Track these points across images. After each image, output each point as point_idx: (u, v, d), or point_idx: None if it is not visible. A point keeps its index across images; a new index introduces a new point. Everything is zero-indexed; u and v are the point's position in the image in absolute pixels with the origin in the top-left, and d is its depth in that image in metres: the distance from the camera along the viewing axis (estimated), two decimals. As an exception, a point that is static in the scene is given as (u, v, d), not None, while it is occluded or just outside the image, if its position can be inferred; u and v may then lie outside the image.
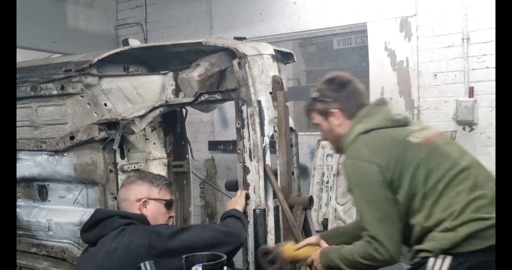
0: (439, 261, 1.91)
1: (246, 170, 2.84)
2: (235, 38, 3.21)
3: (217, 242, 2.27)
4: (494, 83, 4.10)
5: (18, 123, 3.45)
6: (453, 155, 2.07)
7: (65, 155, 3.25)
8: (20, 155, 3.50)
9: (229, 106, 4.96)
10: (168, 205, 2.49)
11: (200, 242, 2.23)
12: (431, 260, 1.92)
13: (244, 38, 3.23)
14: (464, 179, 1.99)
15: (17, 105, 3.41)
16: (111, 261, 2.16)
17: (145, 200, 2.39)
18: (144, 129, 3.33)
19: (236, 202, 2.76)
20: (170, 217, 2.50)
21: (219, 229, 2.38)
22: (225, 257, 1.99)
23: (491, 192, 1.98)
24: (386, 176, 1.99)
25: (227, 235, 2.34)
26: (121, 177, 3.13)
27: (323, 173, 4.59)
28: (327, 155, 4.62)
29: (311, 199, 2.92)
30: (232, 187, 3.07)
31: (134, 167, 3.25)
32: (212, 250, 2.18)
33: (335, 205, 4.44)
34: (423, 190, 1.97)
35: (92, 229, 2.32)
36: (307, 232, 2.95)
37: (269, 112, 2.86)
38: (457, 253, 1.89)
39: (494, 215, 1.89)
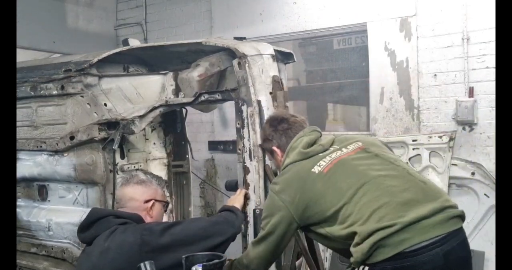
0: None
1: (246, 170, 2.84)
2: (235, 38, 3.21)
3: (209, 233, 2.26)
4: (494, 83, 4.10)
5: (18, 123, 3.45)
6: (359, 168, 2.16)
7: (65, 155, 3.26)
8: (20, 155, 3.50)
9: (229, 106, 4.96)
10: (166, 206, 2.53)
11: (192, 234, 2.22)
12: None
13: (244, 38, 3.23)
14: (364, 193, 2.06)
15: (17, 105, 3.41)
16: (104, 261, 2.15)
17: (153, 202, 2.40)
18: (144, 129, 3.33)
19: (235, 200, 2.76)
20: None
21: (211, 220, 2.38)
22: (225, 257, 2.00)
23: (398, 197, 2.03)
24: (290, 211, 2.19)
25: (219, 226, 2.33)
26: (122, 176, 3.13)
27: (323, 173, 4.57)
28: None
29: (311, 199, 2.91)
30: (232, 187, 3.07)
31: (134, 167, 3.25)
32: (205, 241, 2.19)
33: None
34: (328, 214, 2.10)
35: (88, 229, 2.32)
36: (307, 232, 2.96)
37: (269, 112, 2.85)
38: (370, 263, 1.97)
39: (399, 220, 1.94)
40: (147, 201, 2.38)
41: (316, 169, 2.20)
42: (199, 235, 2.23)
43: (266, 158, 2.84)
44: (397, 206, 1.99)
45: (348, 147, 2.29)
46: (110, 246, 2.16)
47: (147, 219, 2.36)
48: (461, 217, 2.07)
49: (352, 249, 2.01)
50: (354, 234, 2.00)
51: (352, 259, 2.02)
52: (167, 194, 3.52)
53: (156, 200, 2.41)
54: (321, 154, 2.28)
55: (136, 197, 2.38)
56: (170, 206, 3.36)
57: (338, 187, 2.12)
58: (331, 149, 2.31)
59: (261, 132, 2.52)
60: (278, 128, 2.42)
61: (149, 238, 2.15)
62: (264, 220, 2.29)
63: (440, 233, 1.96)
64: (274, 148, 2.44)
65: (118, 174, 3.11)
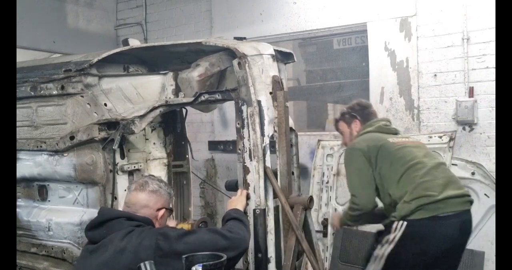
0: (399, 224, 2.82)
1: (246, 170, 2.84)
2: (235, 38, 3.20)
3: (222, 248, 2.28)
4: (494, 83, 4.10)
5: (18, 123, 3.45)
6: (417, 154, 3.02)
7: (65, 155, 3.25)
8: (20, 155, 3.49)
9: (229, 106, 4.97)
10: (171, 212, 2.61)
11: (205, 246, 2.26)
12: (394, 224, 2.84)
13: (244, 38, 3.23)
14: (419, 168, 2.92)
15: (17, 105, 3.41)
16: (119, 260, 2.19)
17: (164, 210, 2.47)
18: (144, 129, 3.33)
19: (237, 201, 2.77)
20: None
21: (224, 234, 2.38)
22: (225, 257, 2.00)
23: (441, 179, 2.90)
24: (366, 157, 3.02)
25: (232, 241, 2.36)
26: (122, 176, 3.13)
27: (323, 173, 4.58)
28: (327, 155, 4.61)
29: (311, 199, 2.92)
30: (232, 187, 3.07)
31: (134, 167, 3.25)
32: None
33: (335, 205, 4.44)
34: (388, 172, 2.96)
35: (97, 228, 2.36)
36: (307, 232, 2.96)
37: (269, 112, 2.86)
38: (409, 219, 2.79)
39: (439, 193, 2.80)
40: (159, 209, 2.45)
41: (391, 139, 3.10)
42: (212, 248, 2.25)
43: (266, 158, 2.84)
44: (438, 184, 2.85)
45: (408, 138, 3.29)
46: (126, 246, 2.21)
47: (155, 225, 2.42)
48: (471, 202, 2.99)
49: (400, 205, 2.84)
50: (405, 193, 2.84)
51: (395, 213, 2.85)
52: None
53: (166, 208, 2.49)
54: (391, 134, 3.21)
55: (150, 205, 2.44)
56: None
57: (403, 156, 2.98)
58: (398, 136, 3.26)
59: (350, 109, 3.37)
60: (365, 111, 3.33)
61: (164, 243, 2.21)
62: (349, 171, 3.13)
63: (461, 209, 2.87)
64: (356, 120, 3.30)
65: (118, 174, 3.11)
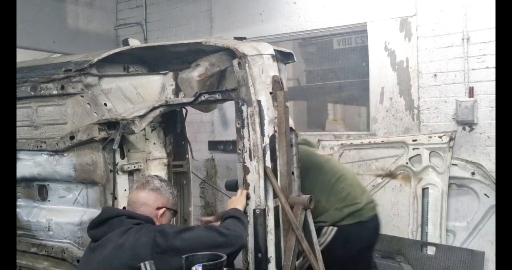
0: (329, 229, 3.26)
1: (246, 170, 2.84)
2: (235, 38, 3.21)
3: (218, 244, 2.30)
4: (494, 83, 4.10)
5: (18, 123, 3.45)
6: (338, 166, 3.70)
7: (65, 155, 3.26)
8: (20, 155, 3.49)
9: (229, 106, 4.97)
10: (175, 214, 2.63)
11: (202, 243, 2.28)
12: (324, 228, 3.28)
13: (244, 38, 3.23)
14: (344, 179, 3.47)
15: (17, 105, 3.41)
16: (117, 256, 2.22)
17: (164, 210, 2.48)
18: (144, 129, 3.33)
19: (237, 201, 2.77)
20: None
21: (221, 231, 2.40)
22: (225, 257, 2.00)
23: (358, 188, 3.52)
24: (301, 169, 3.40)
25: (229, 238, 2.37)
26: (122, 176, 3.13)
27: (323, 173, 4.60)
28: (327, 155, 4.63)
29: (311, 199, 2.92)
30: (232, 187, 3.08)
31: (134, 167, 3.25)
32: (214, 251, 2.21)
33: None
34: (321, 183, 3.39)
35: (99, 227, 2.40)
36: (307, 232, 2.96)
37: (269, 112, 2.85)
38: (340, 225, 3.27)
39: (363, 201, 3.39)
40: (158, 208, 2.47)
41: (318, 152, 3.62)
42: (208, 245, 2.28)
43: (266, 158, 2.84)
44: (359, 193, 3.47)
45: (324, 152, 4.02)
46: (125, 243, 2.23)
47: (156, 224, 2.44)
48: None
49: (332, 211, 3.31)
50: (337, 201, 3.33)
51: (322, 218, 3.27)
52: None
53: (167, 208, 2.50)
54: (313, 147, 3.73)
55: (149, 203, 2.46)
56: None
57: (331, 168, 3.51)
58: (316, 149, 3.88)
59: None
60: None
61: (161, 240, 2.23)
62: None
63: (374, 213, 3.49)
64: None
65: (118, 174, 3.11)
